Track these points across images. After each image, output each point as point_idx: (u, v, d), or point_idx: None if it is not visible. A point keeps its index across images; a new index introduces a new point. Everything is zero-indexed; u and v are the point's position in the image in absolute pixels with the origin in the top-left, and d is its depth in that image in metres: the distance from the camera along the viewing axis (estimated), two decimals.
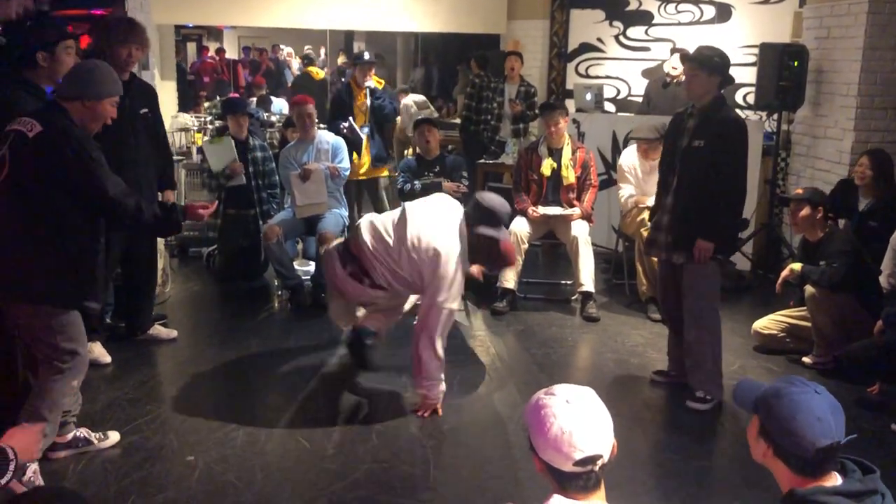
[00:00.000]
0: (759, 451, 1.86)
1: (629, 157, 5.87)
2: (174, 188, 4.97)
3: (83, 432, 3.46)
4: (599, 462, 1.77)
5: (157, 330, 4.84)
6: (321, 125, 6.71)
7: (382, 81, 6.79)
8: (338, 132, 6.28)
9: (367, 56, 6.59)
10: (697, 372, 4.10)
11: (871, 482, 1.78)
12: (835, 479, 1.79)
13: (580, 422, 1.75)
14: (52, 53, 3.62)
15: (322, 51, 14.29)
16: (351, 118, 6.41)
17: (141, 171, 4.43)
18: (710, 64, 3.92)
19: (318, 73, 11.00)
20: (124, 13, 6.29)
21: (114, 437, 3.55)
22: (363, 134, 6.47)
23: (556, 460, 1.76)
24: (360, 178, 6.48)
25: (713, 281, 4.07)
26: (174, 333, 4.87)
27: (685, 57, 4.09)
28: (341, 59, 13.91)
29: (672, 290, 4.21)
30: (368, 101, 6.54)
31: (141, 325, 4.80)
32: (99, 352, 4.46)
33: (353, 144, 6.29)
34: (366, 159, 6.49)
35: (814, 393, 1.80)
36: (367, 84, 6.52)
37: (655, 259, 5.24)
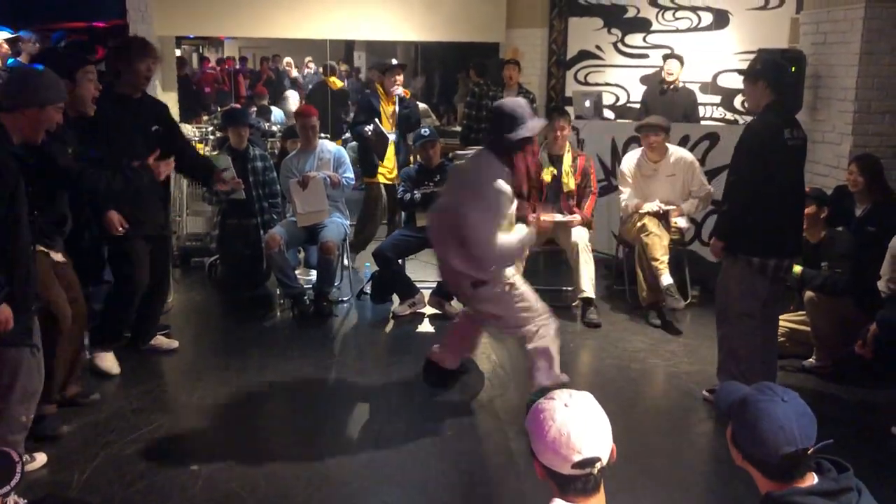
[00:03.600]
0: (734, 455, 1.91)
1: (630, 161, 5.90)
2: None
3: None
4: (598, 465, 1.78)
5: (159, 340, 4.87)
6: (324, 135, 6.75)
7: (409, 91, 6.83)
8: (361, 135, 6.33)
9: (394, 61, 6.62)
10: (722, 371, 4.16)
11: (846, 480, 1.81)
12: (811, 480, 1.81)
13: (578, 424, 1.77)
14: (73, 80, 3.76)
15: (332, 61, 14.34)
16: (377, 120, 6.44)
17: (154, 184, 4.41)
18: (749, 72, 4.09)
19: (337, 82, 10.98)
20: (126, 24, 6.36)
21: (41, 458, 3.45)
22: (391, 138, 6.47)
23: (555, 463, 1.78)
24: (388, 182, 6.51)
25: (743, 283, 4.04)
26: (175, 344, 4.90)
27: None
28: (343, 68, 14.00)
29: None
30: (397, 108, 6.57)
31: (146, 335, 4.83)
32: (110, 363, 4.49)
33: (380, 147, 6.32)
34: (393, 165, 6.50)
35: (780, 401, 1.81)
36: (396, 92, 6.56)
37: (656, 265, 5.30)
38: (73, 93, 3.75)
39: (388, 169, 6.46)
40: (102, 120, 4.15)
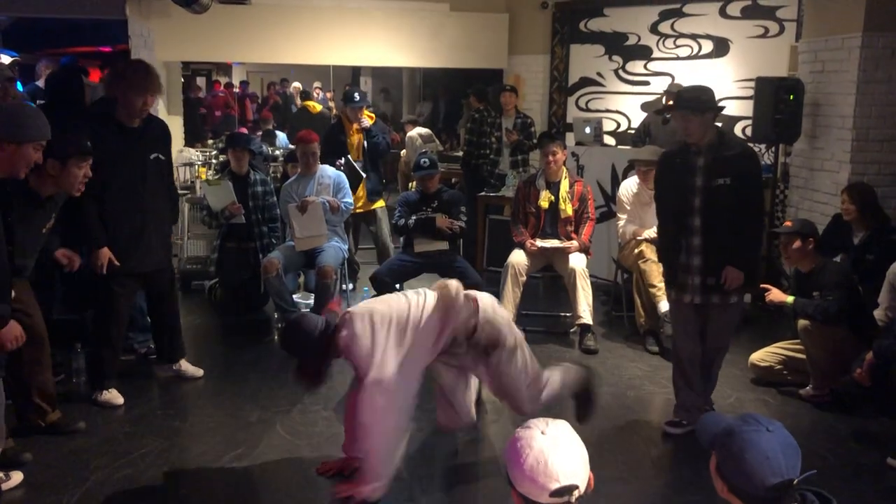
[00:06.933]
0: (718, 486, 1.89)
1: (628, 188, 5.91)
2: (175, 222, 5.01)
3: None
4: (576, 493, 1.78)
5: (185, 367, 4.84)
6: None
7: (374, 116, 6.87)
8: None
9: (357, 98, 6.64)
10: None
11: None
12: None
13: (555, 452, 1.77)
14: (63, 165, 3.65)
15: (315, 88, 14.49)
16: (347, 155, 6.46)
17: (150, 217, 4.40)
18: (699, 106, 3.92)
19: (316, 106, 11.12)
20: (128, 50, 6.42)
21: (17, 477, 3.44)
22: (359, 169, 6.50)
23: (532, 491, 1.77)
24: (357, 211, 6.53)
25: (738, 315, 4.31)
26: (200, 372, 4.86)
27: (674, 104, 4.13)
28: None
29: (694, 334, 4.17)
30: (365, 143, 6.59)
31: (172, 353, 4.80)
32: (111, 396, 4.40)
33: (352, 181, 6.31)
34: (362, 193, 6.55)
35: (765, 431, 1.80)
36: (363, 124, 6.59)
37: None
38: (59, 177, 3.65)
39: (356, 199, 6.38)
40: (97, 148, 3.99)
